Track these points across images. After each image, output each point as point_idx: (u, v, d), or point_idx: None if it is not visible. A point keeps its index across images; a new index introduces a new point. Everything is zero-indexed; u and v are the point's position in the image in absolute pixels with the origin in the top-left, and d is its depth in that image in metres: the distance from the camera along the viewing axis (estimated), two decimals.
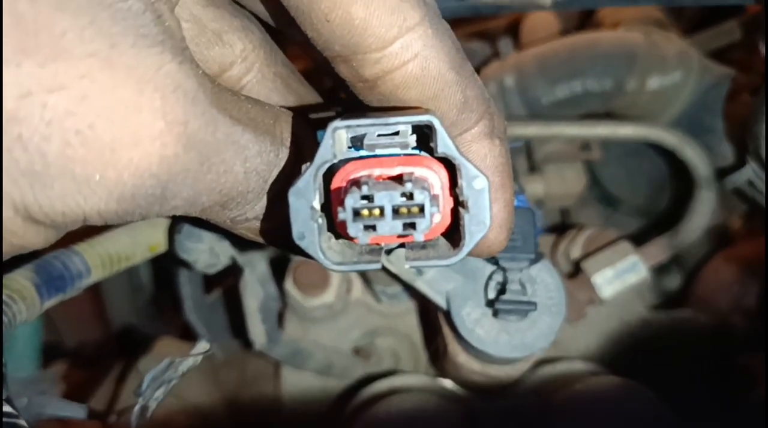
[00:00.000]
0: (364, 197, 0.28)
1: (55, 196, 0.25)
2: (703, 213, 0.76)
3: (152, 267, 0.87)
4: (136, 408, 0.48)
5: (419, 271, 0.55)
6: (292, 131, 0.31)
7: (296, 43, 0.35)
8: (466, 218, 0.30)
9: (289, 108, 0.33)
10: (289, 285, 0.69)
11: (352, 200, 0.28)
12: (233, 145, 0.28)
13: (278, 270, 0.69)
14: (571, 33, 0.93)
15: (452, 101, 0.31)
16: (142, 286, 0.89)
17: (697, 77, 0.83)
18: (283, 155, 0.30)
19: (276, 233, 0.33)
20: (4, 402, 0.41)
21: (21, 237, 0.26)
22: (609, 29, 0.93)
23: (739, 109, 0.80)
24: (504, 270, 0.53)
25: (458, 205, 0.31)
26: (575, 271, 0.73)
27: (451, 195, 0.31)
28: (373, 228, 0.28)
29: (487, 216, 0.30)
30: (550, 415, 0.55)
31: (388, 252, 0.34)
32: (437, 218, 0.30)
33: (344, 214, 0.28)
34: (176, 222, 0.58)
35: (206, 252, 0.59)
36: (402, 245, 0.32)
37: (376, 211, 0.28)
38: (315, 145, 0.29)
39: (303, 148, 0.31)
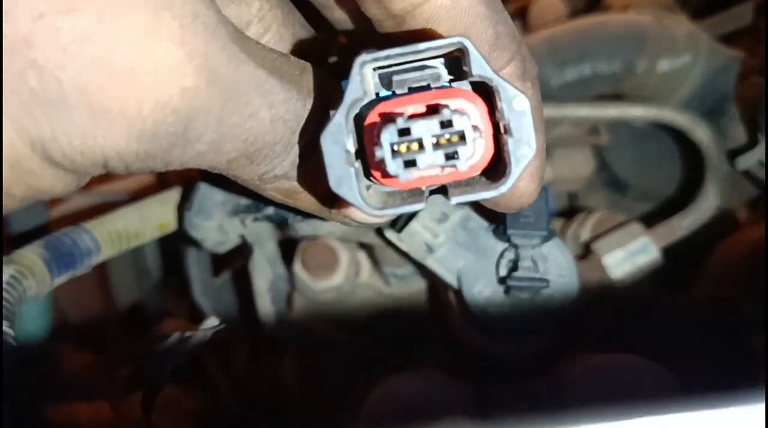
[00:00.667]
0: (401, 132, 0.27)
1: (73, 129, 0.24)
2: (714, 194, 0.76)
3: (159, 249, 0.87)
4: (146, 383, 0.48)
5: (430, 249, 0.55)
6: (318, 84, 0.30)
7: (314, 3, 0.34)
8: (510, 143, 0.28)
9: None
10: (297, 267, 0.69)
11: (388, 134, 0.26)
12: (258, 87, 0.27)
13: (288, 250, 0.68)
14: (581, 15, 0.92)
15: (483, 36, 0.30)
16: (148, 268, 0.89)
17: (706, 59, 0.83)
18: (310, 106, 0.30)
19: (312, 189, 0.32)
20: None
21: (39, 178, 0.25)
22: (618, 12, 0.92)
23: (750, 90, 0.79)
24: (516, 247, 0.53)
25: (499, 133, 0.29)
26: (585, 253, 0.72)
27: (491, 124, 0.29)
28: (413, 163, 0.27)
29: (532, 138, 0.28)
30: (561, 392, 0.55)
31: (432, 193, 0.32)
32: (480, 145, 0.28)
33: (381, 151, 0.27)
34: (186, 199, 0.58)
35: (215, 230, 0.58)
36: (443, 189, 0.31)
37: (415, 145, 0.27)
38: (342, 94, 0.28)
39: (329, 100, 0.31)
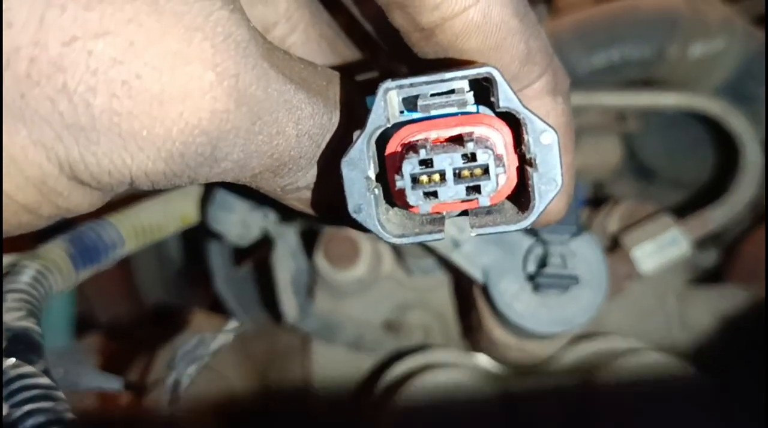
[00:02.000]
0: (422, 162, 0.26)
1: (101, 152, 0.23)
2: (748, 185, 0.73)
3: (182, 240, 0.87)
4: (169, 382, 0.48)
5: (456, 244, 0.54)
6: (345, 95, 0.30)
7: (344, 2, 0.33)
8: (535, 177, 0.27)
9: (337, 70, 0.32)
10: (319, 258, 0.68)
11: (410, 166, 0.26)
12: (285, 103, 0.26)
13: (309, 243, 0.68)
14: (609, 0, 0.89)
15: (515, 52, 0.29)
16: (172, 260, 0.89)
17: (741, 44, 0.80)
18: (336, 119, 0.29)
19: (326, 205, 0.31)
20: (42, 374, 0.41)
21: (66, 198, 0.25)
22: None
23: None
24: (544, 243, 0.52)
25: (524, 163, 0.28)
26: (613, 245, 0.71)
27: (516, 153, 0.28)
28: (434, 194, 0.26)
29: (558, 173, 0.27)
30: (590, 392, 0.54)
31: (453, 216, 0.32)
32: (503, 179, 0.27)
33: (402, 182, 0.26)
34: (208, 193, 0.57)
35: (238, 224, 0.58)
36: (465, 212, 0.30)
37: (436, 177, 0.26)
38: (366, 110, 0.27)
39: (355, 112, 0.30)
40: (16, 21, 0.21)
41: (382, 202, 0.29)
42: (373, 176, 0.28)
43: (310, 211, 0.33)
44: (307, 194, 0.31)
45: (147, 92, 0.23)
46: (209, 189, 0.58)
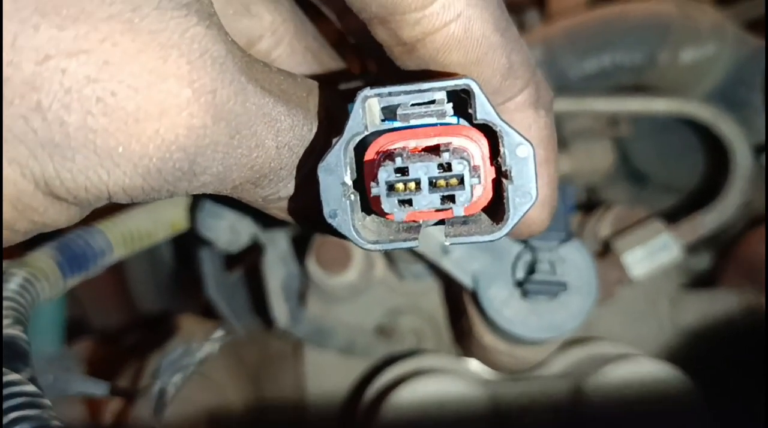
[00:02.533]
0: (398, 170, 0.26)
1: (77, 169, 0.23)
2: (738, 190, 0.74)
3: (173, 245, 0.87)
4: (154, 391, 0.48)
5: (445, 250, 0.54)
6: (325, 104, 0.30)
7: (328, 16, 0.34)
8: (510, 189, 0.27)
9: (320, 81, 0.32)
10: (311, 263, 0.68)
11: (385, 173, 0.26)
12: (264, 117, 0.26)
13: (300, 248, 0.68)
14: (600, 5, 0.90)
15: (496, 66, 0.29)
16: (163, 265, 0.89)
17: (731, 49, 0.80)
18: (316, 130, 0.29)
19: (306, 212, 0.31)
20: (28, 382, 0.41)
21: (42, 214, 0.25)
22: (640, 1, 0.90)
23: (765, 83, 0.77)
24: (533, 249, 0.52)
25: (501, 176, 0.28)
26: (604, 250, 0.71)
27: (492, 165, 0.29)
28: (409, 202, 0.27)
29: (533, 187, 0.27)
30: (580, 398, 0.54)
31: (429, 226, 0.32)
32: (478, 190, 0.28)
33: (378, 189, 0.27)
34: (198, 200, 0.57)
35: (227, 230, 0.58)
36: (441, 222, 0.31)
37: (412, 185, 0.27)
38: (347, 118, 0.28)
39: (335, 122, 0.30)
40: None
41: (359, 208, 0.29)
42: (349, 182, 0.28)
43: (292, 220, 0.33)
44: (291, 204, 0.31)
45: (122, 110, 0.23)
46: (198, 196, 0.58)
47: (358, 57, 0.40)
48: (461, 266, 0.54)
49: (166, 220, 0.57)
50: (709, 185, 0.84)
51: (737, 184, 0.74)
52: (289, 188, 0.30)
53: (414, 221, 0.30)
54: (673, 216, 0.78)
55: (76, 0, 0.22)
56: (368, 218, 0.30)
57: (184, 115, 0.24)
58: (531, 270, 0.52)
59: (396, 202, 0.27)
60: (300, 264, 0.68)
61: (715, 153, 0.81)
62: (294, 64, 0.36)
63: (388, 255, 0.71)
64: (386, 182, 0.27)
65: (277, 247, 0.65)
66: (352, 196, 0.28)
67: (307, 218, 0.32)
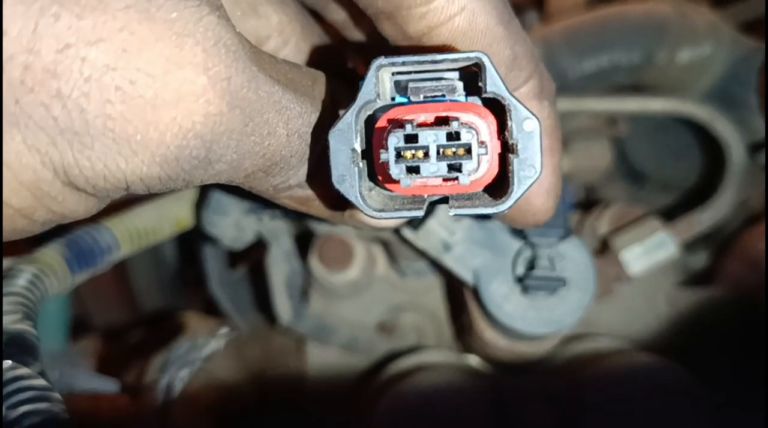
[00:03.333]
0: (408, 139, 0.27)
1: (95, 157, 0.24)
2: (733, 189, 0.75)
3: (177, 243, 0.87)
4: (161, 385, 0.49)
5: (447, 247, 0.55)
6: (331, 92, 0.30)
7: (332, 23, 0.34)
8: (516, 163, 0.28)
9: (326, 72, 0.33)
10: (314, 260, 0.69)
11: (395, 139, 0.27)
12: (275, 104, 0.27)
13: (303, 245, 0.69)
14: (599, 5, 0.90)
15: (501, 57, 0.30)
16: (167, 262, 0.90)
17: (728, 49, 0.81)
18: (324, 116, 0.30)
19: (324, 194, 0.32)
20: (38, 376, 0.42)
21: (60, 203, 0.25)
22: (637, 1, 0.91)
23: (764, 84, 0.78)
24: (533, 245, 0.53)
25: (507, 151, 0.29)
26: (602, 247, 0.72)
27: (499, 141, 0.29)
28: (417, 170, 0.27)
29: (537, 160, 0.28)
30: (579, 392, 0.55)
31: (432, 204, 0.32)
32: (484, 163, 0.28)
33: (386, 155, 0.27)
34: (203, 197, 0.58)
35: (232, 227, 0.59)
36: (444, 200, 0.31)
37: (420, 153, 0.27)
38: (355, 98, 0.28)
39: (342, 109, 0.31)
40: (11, 29, 0.22)
41: (366, 177, 0.30)
42: (359, 149, 0.28)
43: (302, 208, 0.33)
44: (300, 192, 0.32)
45: (140, 97, 0.23)
46: (203, 193, 0.59)
47: (364, 60, 0.41)
48: (462, 262, 0.55)
49: (171, 217, 0.58)
50: (705, 183, 0.85)
51: (732, 182, 0.75)
52: (299, 176, 0.30)
53: (419, 195, 0.30)
54: (670, 214, 0.79)
55: None
56: (374, 190, 0.31)
57: (201, 101, 0.24)
58: (531, 266, 0.52)
59: (404, 168, 0.27)
60: (303, 261, 0.69)
61: (712, 152, 0.82)
62: (301, 63, 0.36)
63: (390, 252, 0.72)
64: (395, 148, 0.27)
65: (281, 244, 0.66)
66: (360, 164, 0.29)
67: (324, 198, 0.32)
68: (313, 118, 0.29)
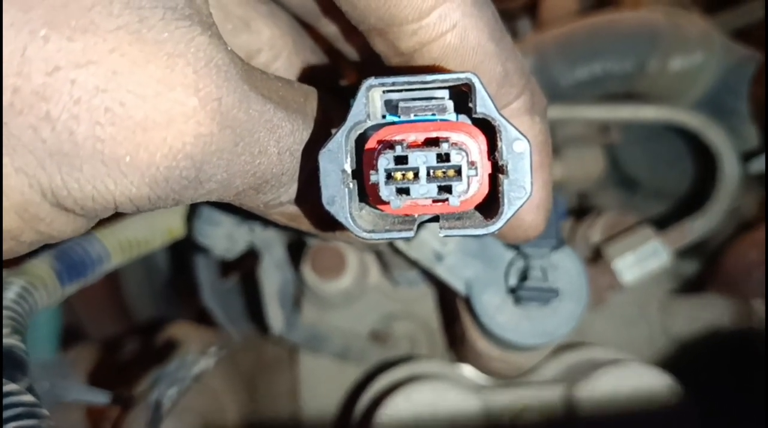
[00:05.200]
0: (398, 160, 0.27)
1: (84, 178, 0.24)
2: (725, 198, 0.75)
3: (170, 253, 0.87)
4: (150, 402, 0.48)
5: (439, 257, 0.55)
6: (323, 108, 0.30)
7: (325, 36, 0.34)
8: (506, 183, 0.28)
9: (317, 88, 0.32)
10: (306, 270, 0.69)
11: (385, 161, 0.27)
12: (266, 123, 0.27)
13: (295, 255, 0.68)
14: (591, 13, 0.91)
15: (492, 74, 0.30)
16: (160, 272, 0.89)
17: (719, 58, 0.81)
18: (316, 133, 0.30)
19: (313, 210, 0.32)
20: (26, 391, 0.41)
21: (49, 224, 0.25)
22: (629, 9, 0.91)
23: (765, 90, 0.78)
24: (525, 256, 0.53)
25: (497, 171, 0.29)
26: (595, 256, 0.72)
27: (489, 162, 0.29)
28: (407, 192, 0.27)
29: (528, 181, 0.28)
30: (573, 403, 0.55)
31: (421, 224, 0.32)
32: (474, 183, 0.28)
33: (376, 176, 0.27)
34: (194, 208, 0.58)
35: (224, 238, 0.58)
36: (435, 219, 0.31)
37: (410, 175, 0.27)
38: (349, 111, 0.28)
39: (334, 125, 0.31)
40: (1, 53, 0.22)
41: (356, 197, 0.30)
42: (349, 170, 0.28)
43: (293, 224, 0.33)
44: (290, 208, 0.32)
45: (130, 119, 0.23)
46: (195, 204, 0.58)
47: (356, 74, 0.41)
48: (455, 273, 0.54)
49: (163, 228, 0.58)
50: (697, 191, 0.85)
51: (724, 190, 0.75)
52: (290, 193, 0.30)
53: (409, 215, 0.30)
54: (663, 222, 0.79)
55: (84, 12, 0.22)
56: (365, 210, 0.30)
57: (192, 122, 0.24)
58: (523, 276, 0.52)
59: (394, 189, 0.27)
60: (295, 270, 0.69)
61: (704, 160, 0.82)
62: (292, 77, 0.36)
63: (383, 262, 0.72)
64: (385, 170, 0.27)
65: (273, 254, 0.65)
66: (351, 185, 0.29)
67: (314, 216, 0.32)
68: (305, 134, 0.29)
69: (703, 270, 0.83)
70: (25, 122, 0.22)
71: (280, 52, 0.35)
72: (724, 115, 0.80)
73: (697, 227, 0.74)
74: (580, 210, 0.90)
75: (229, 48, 0.26)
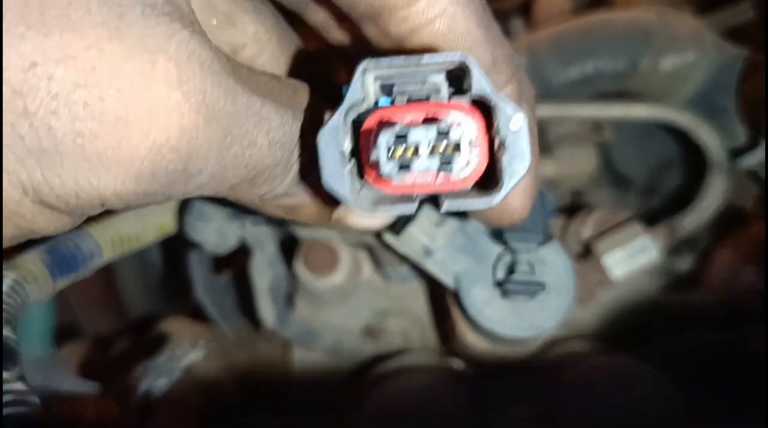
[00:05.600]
0: (398, 137, 0.27)
1: (65, 174, 0.23)
2: (714, 195, 0.75)
3: (163, 248, 0.87)
4: (139, 393, 0.49)
5: (428, 252, 0.55)
6: (312, 101, 0.31)
7: (314, 26, 0.35)
8: (505, 158, 0.28)
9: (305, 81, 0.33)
10: (299, 266, 0.69)
11: (386, 137, 0.27)
12: (254, 116, 0.27)
13: (288, 251, 0.69)
14: (584, 12, 0.91)
15: (480, 60, 0.30)
16: (152, 268, 0.90)
17: (710, 57, 0.82)
18: (307, 126, 0.30)
19: (318, 190, 0.32)
20: (17, 380, 0.42)
21: (29, 220, 0.25)
22: (622, 9, 0.92)
23: (754, 89, 0.79)
24: (513, 251, 0.53)
25: (494, 149, 0.29)
26: (585, 252, 0.72)
27: (486, 140, 0.30)
28: (408, 167, 0.27)
29: (527, 154, 0.28)
30: (559, 394, 0.55)
31: (422, 202, 0.33)
32: (475, 158, 0.29)
33: (377, 153, 0.27)
34: (185, 203, 0.59)
35: (215, 233, 0.59)
36: (434, 199, 0.31)
37: (410, 151, 0.27)
38: (341, 102, 0.28)
39: (324, 116, 0.31)
40: None
41: (356, 176, 0.30)
42: (348, 149, 0.29)
43: (289, 216, 0.34)
44: (286, 201, 0.32)
45: (111, 113, 0.23)
46: (186, 199, 0.59)
47: (345, 66, 0.41)
48: (443, 267, 0.55)
49: (154, 223, 0.58)
50: (690, 188, 0.86)
51: (714, 187, 0.76)
52: (284, 185, 0.31)
53: (408, 195, 0.30)
54: (654, 219, 0.79)
55: (61, 9, 0.22)
56: (364, 189, 0.31)
57: (175, 115, 0.24)
58: (511, 270, 0.53)
59: (396, 165, 0.27)
60: (288, 266, 0.69)
61: (694, 157, 0.83)
62: (278, 73, 0.37)
63: (375, 258, 0.72)
64: (386, 146, 0.27)
65: (265, 250, 0.66)
66: (350, 163, 0.29)
67: (320, 195, 0.32)
68: (295, 127, 0.29)
69: (696, 266, 0.83)
70: (4, 118, 0.22)
71: (265, 48, 0.36)
72: (715, 112, 0.81)
73: (687, 223, 0.75)
74: (573, 207, 0.90)
75: (213, 44, 0.26)
